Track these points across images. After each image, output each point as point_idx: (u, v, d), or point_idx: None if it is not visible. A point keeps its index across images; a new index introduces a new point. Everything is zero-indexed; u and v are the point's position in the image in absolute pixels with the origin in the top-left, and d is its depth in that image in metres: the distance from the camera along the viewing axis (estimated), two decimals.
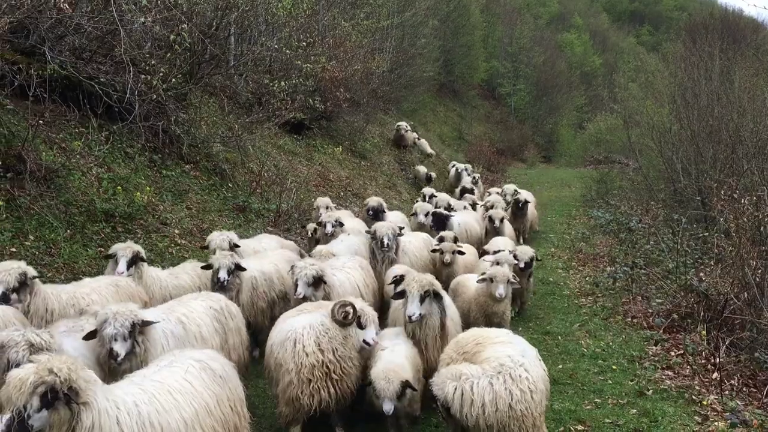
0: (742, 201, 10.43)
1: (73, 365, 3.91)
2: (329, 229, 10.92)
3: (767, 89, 15.37)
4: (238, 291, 7.82)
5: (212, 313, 6.45)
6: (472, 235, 13.18)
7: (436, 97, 39.83)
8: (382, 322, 7.44)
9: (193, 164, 13.50)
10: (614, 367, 8.56)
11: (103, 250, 9.23)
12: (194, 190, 12.85)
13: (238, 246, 9.19)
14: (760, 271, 9.11)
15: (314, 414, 6.00)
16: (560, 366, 8.62)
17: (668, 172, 17.07)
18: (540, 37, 54.02)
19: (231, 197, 13.65)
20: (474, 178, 22.55)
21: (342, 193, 18.50)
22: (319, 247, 9.64)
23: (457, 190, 20.30)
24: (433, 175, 23.24)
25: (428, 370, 6.33)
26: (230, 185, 14.08)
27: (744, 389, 7.83)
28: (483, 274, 8.39)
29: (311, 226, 12.22)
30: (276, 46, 16.33)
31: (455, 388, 4.93)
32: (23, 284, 6.14)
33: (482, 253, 11.23)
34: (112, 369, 5.28)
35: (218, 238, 8.98)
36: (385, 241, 9.45)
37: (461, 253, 10.20)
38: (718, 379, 7.85)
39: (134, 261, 7.52)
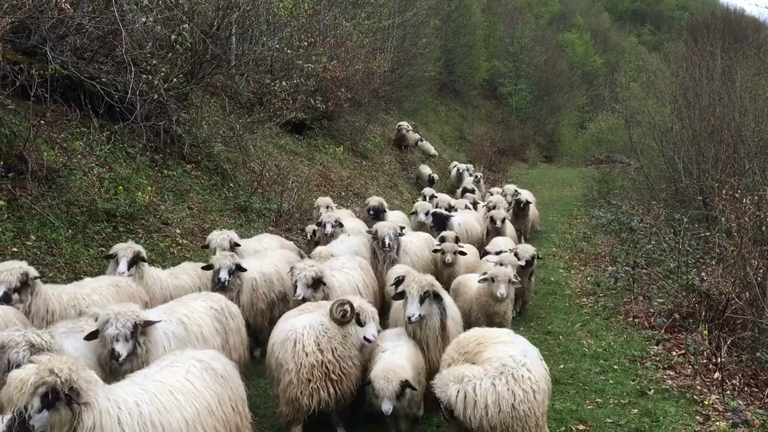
0: (744, 201, 10.43)
1: (74, 365, 3.91)
2: (329, 229, 10.87)
3: None
4: (238, 292, 7.80)
5: (213, 313, 6.45)
6: (473, 236, 13.17)
7: (438, 97, 39.82)
8: (383, 323, 7.44)
9: (194, 164, 13.51)
10: (616, 366, 8.56)
11: (104, 249, 9.23)
12: (195, 189, 12.86)
13: (238, 245, 9.17)
14: (761, 270, 9.10)
15: (314, 414, 6.00)
16: (561, 366, 8.62)
17: (670, 172, 17.05)
18: (541, 36, 53.98)
19: (232, 197, 13.66)
20: (476, 177, 22.52)
21: (343, 193, 18.50)
22: (318, 249, 9.63)
23: (459, 191, 20.26)
24: (436, 177, 23.19)
25: (430, 370, 6.32)
26: (231, 185, 14.09)
27: (745, 389, 7.81)
28: (484, 274, 8.38)
29: (310, 228, 12.17)
30: (277, 45, 16.33)
31: (458, 391, 4.92)
32: (25, 284, 6.14)
33: (484, 253, 11.22)
34: (113, 370, 5.27)
35: (219, 237, 8.97)
36: (387, 241, 9.44)
37: (463, 253, 10.18)
38: (719, 379, 7.83)
39: (135, 261, 7.51)
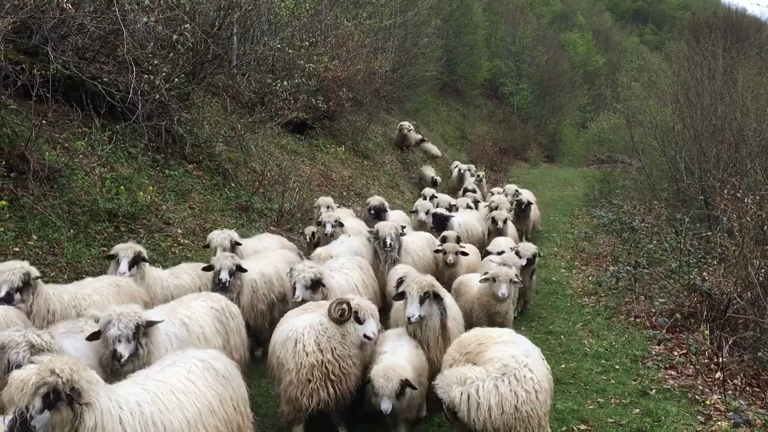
0: (746, 200, 10.42)
1: (75, 366, 3.91)
2: (329, 229, 10.82)
3: None
4: (239, 293, 7.77)
5: (214, 313, 6.45)
6: (473, 236, 13.15)
7: (439, 97, 39.78)
8: (385, 323, 7.45)
9: (195, 164, 13.52)
10: (617, 366, 8.55)
11: (106, 249, 9.23)
12: (197, 189, 12.87)
13: (239, 244, 9.17)
14: (763, 270, 9.09)
15: (315, 413, 6.00)
16: (563, 365, 8.61)
17: (671, 172, 17.05)
18: (543, 36, 53.86)
19: (234, 197, 13.67)
20: (478, 177, 22.50)
21: (345, 193, 18.50)
22: (318, 251, 9.62)
23: (460, 192, 20.19)
24: (439, 179, 23.09)
25: (431, 371, 6.32)
26: (233, 185, 14.10)
27: (747, 389, 7.81)
28: (486, 273, 8.38)
29: (309, 229, 12.10)
30: (279, 45, 16.33)
31: (461, 393, 4.92)
32: (26, 284, 6.15)
33: (485, 253, 11.20)
34: (114, 371, 5.26)
35: (219, 236, 8.96)
36: (388, 240, 9.43)
37: (464, 254, 10.16)
38: (721, 378, 7.83)
39: (136, 261, 7.52)
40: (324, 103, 19.07)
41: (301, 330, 6.02)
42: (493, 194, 17.87)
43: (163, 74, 11.46)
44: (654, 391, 7.73)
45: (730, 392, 7.55)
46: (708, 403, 7.26)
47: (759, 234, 9.98)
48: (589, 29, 68.66)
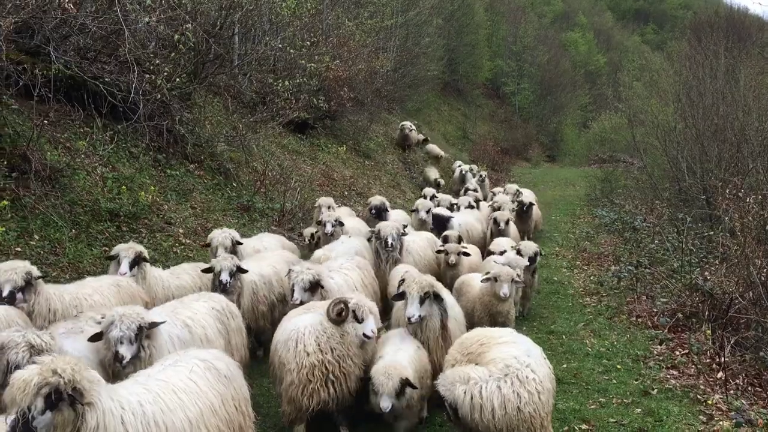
0: (748, 200, 10.41)
1: (76, 366, 3.91)
2: (329, 228, 10.80)
3: None
4: (239, 295, 7.71)
5: (215, 314, 6.43)
6: (474, 236, 13.13)
7: (441, 96, 39.77)
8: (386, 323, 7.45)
9: (197, 164, 13.53)
10: (619, 366, 8.54)
11: (107, 249, 9.22)
12: (198, 189, 12.88)
13: (240, 243, 9.15)
14: (765, 270, 9.08)
15: (316, 413, 6.00)
16: (564, 365, 8.61)
17: (673, 171, 17.03)
18: (544, 35, 53.89)
19: (235, 197, 13.67)
20: (481, 176, 22.47)
21: (346, 193, 18.50)
22: (317, 253, 9.60)
23: (462, 192, 20.17)
24: (442, 182, 23.05)
25: (432, 371, 6.32)
26: (234, 185, 14.10)
27: (749, 388, 7.80)
28: (487, 273, 8.37)
29: (308, 231, 12.05)
30: (280, 45, 16.34)
31: (464, 392, 4.93)
32: (28, 283, 6.15)
33: (488, 253, 11.19)
34: (116, 372, 5.23)
35: (220, 235, 8.92)
36: (389, 240, 9.41)
37: (466, 254, 10.12)
38: (723, 378, 7.83)
39: (137, 261, 7.50)
40: (325, 103, 19.08)
41: (302, 330, 6.02)
42: (495, 194, 17.83)
43: (165, 74, 11.46)
44: (656, 390, 7.72)
45: (731, 392, 7.54)
46: (710, 402, 7.25)
47: (761, 234, 9.96)
48: (591, 29, 68.69)
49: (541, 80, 49.34)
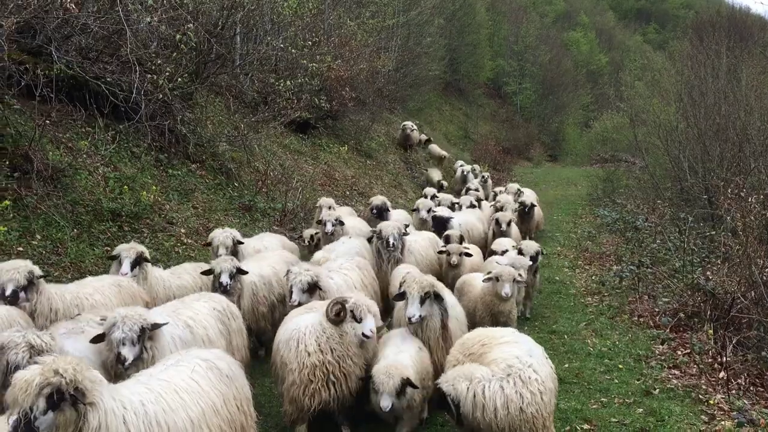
0: (749, 199, 10.41)
1: (78, 366, 3.91)
2: (329, 227, 10.78)
3: None
4: (239, 296, 7.67)
5: (216, 314, 6.42)
6: (474, 236, 13.11)
7: (442, 96, 39.76)
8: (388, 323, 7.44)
9: (199, 163, 13.54)
10: (620, 366, 8.53)
11: (109, 249, 9.22)
12: (200, 189, 12.88)
13: (241, 243, 9.14)
14: (767, 269, 9.07)
15: (317, 413, 6.00)
16: (566, 365, 8.60)
17: (675, 171, 17.02)
18: (546, 35, 53.84)
19: (237, 196, 13.68)
20: (483, 177, 22.45)
21: (348, 192, 18.50)
22: (318, 255, 9.59)
23: (463, 192, 20.13)
24: (445, 183, 23.01)
25: (433, 371, 6.32)
26: (236, 184, 14.11)
27: (751, 388, 7.80)
28: (489, 273, 8.36)
29: (308, 233, 12.02)
30: (282, 45, 16.34)
31: (468, 389, 4.93)
32: (30, 283, 6.15)
33: (490, 253, 11.17)
34: (118, 374, 5.21)
35: (221, 235, 8.90)
36: (391, 240, 9.39)
37: (468, 254, 10.11)
38: (725, 378, 7.82)
39: (138, 262, 7.48)
40: (327, 103, 19.08)
41: (303, 330, 6.02)
42: (497, 194, 17.80)
43: (167, 74, 11.47)
44: (657, 390, 7.72)
45: (733, 392, 7.54)
46: (712, 402, 7.24)
47: (763, 233, 9.96)
48: (592, 28, 68.65)
49: (543, 80, 49.32)
